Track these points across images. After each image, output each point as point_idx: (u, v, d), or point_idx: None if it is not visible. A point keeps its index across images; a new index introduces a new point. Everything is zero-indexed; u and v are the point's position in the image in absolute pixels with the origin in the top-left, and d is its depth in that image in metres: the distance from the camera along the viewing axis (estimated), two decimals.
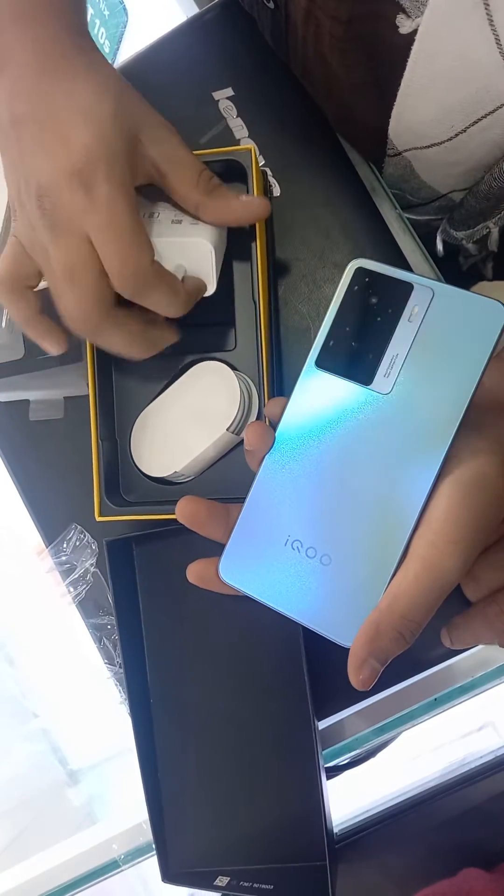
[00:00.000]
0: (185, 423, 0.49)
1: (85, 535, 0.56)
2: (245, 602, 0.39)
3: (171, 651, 0.54)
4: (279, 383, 0.51)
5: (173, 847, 0.53)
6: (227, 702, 0.53)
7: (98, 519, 0.49)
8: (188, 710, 0.53)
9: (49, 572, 0.59)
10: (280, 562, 0.37)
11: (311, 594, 0.36)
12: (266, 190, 0.52)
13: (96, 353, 0.50)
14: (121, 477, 0.51)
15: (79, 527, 0.57)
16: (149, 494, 0.51)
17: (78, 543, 0.56)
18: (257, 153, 0.47)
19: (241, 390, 0.47)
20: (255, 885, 0.50)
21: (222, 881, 0.51)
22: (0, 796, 0.82)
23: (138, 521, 0.50)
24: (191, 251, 0.44)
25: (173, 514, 0.47)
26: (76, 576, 0.57)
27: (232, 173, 0.47)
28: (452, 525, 0.33)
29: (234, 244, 0.48)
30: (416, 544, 0.34)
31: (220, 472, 0.50)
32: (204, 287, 0.46)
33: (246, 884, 0.50)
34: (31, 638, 0.79)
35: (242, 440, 0.49)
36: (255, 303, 0.48)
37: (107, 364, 0.51)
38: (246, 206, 0.44)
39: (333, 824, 0.54)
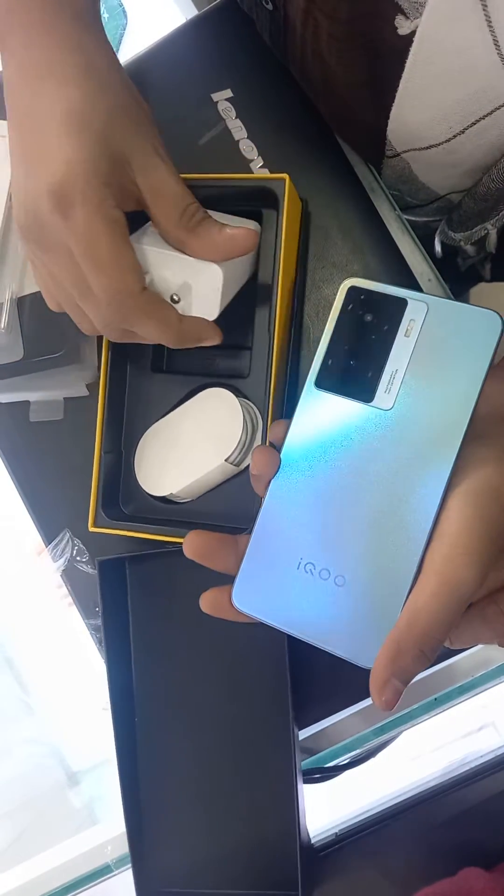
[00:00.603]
0: (186, 446, 0.49)
1: (76, 543, 0.57)
2: (233, 625, 0.38)
3: (158, 670, 0.54)
4: (291, 412, 0.51)
5: (150, 865, 0.54)
6: (209, 726, 0.53)
7: (91, 529, 0.49)
8: (172, 733, 0.54)
9: (49, 573, 0.59)
10: (293, 586, 0.36)
11: (327, 617, 0.35)
12: (303, 219, 0.52)
13: (110, 363, 0.50)
14: (122, 488, 0.52)
15: (69, 533, 0.57)
16: (147, 510, 0.51)
17: (67, 547, 0.57)
18: (289, 184, 0.47)
19: (245, 423, 0.47)
20: None
21: None
22: (2, 798, 0.82)
23: (132, 537, 0.50)
24: (199, 271, 0.43)
25: (167, 535, 0.48)
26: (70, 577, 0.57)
27: (265, 199, 0.47)
28: (466, 537, 0.33)
29: (261, 268, 0.49)
30: (431, 559, 0.33)
31: (227, 496, 0.50)
32: (206, 332, 0.45)
33: None
34: (31, 638, 0.79)
35: (246, 468, 0.49)
36: (269, 335, 0.48)
37: (121, 374, 0.52)
38: (230, 240, 0.42)
39: (337, 825, 0.54)
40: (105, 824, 0.62)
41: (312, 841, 0.57)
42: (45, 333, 0.52)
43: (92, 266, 0.38)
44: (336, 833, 0.58)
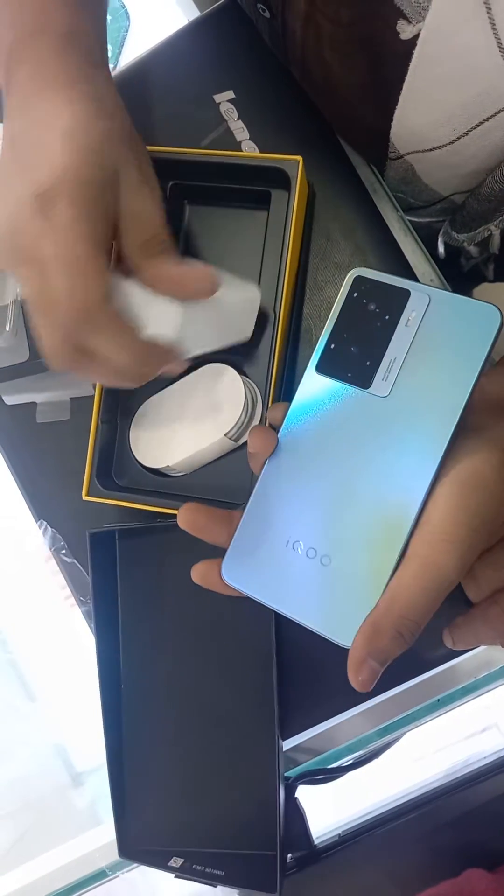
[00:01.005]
0: (185, 420, 0.49)
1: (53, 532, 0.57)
2: (221, 601, 0.39)
3: (145, 640, 0.55)
4: (289, 394, 0.51)
5: (132, 823, 0.55)
6: (195, 694, 0.54)
7: (84, 498, 0.49)
8: (157, 699, 0.55)
9: (51, 573, 0.59)
10: (281, 563, 0.37)
11: (312, 595, 0.36)
12: (310, 202, 0.52)
13: None
14: (115, 460, 0.52)
15: (45, 524, 0.58)
16: (141, 482, 0.51)
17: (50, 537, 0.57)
18: (302, 166, 0.48)
19: (247, 399, 0.47)
20: (208, 870, 0.51)
21: (176, 862, 0.52)
22: (4, 798, 0.82)
23: (123, 515, 0.50)
24: (159, 311, 0.42)
25: (161, 507, 0.48)
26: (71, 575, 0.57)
27: (277, 180, 0.48)
28: (450, 524, 0.33)
29: (269, 249, 0.49)
30: (415, 544, 0.34)
31: (220, 471, 0.50)
32: (166, 357, 0.43)
33: (199, 867, 0.51)
34: (34, 639, 0.79)
35: (242, 445, 0.49)
36: (275, 314, 0.48)
37: None
38: (179, 278, 0.41)
39: (340, 826, 0.54)
40: (108, 825, 0.62)
41: (316, 842, 0.57)
42: None
43: (64, 268, 0.37)
44: (339, 834, 0.58)
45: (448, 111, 0.41)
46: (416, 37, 0.38)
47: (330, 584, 0.36)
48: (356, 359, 0.37)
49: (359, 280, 0.37)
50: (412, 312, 0.36)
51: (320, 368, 0.38)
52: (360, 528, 0.36)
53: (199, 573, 0.39)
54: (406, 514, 0.35)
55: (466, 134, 0.42)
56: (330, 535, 0.36)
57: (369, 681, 0.33)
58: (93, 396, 0.50)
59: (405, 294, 0.36)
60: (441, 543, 0.33)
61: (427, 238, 0.54)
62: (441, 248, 0.57)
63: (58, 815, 0.81)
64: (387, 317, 0.37)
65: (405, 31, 0.38)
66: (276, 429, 0.39)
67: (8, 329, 0.53)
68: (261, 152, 0.53)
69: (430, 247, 0.55)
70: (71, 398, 0.57)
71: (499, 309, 0.35)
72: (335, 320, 0.38)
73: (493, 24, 0.35)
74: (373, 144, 0.49)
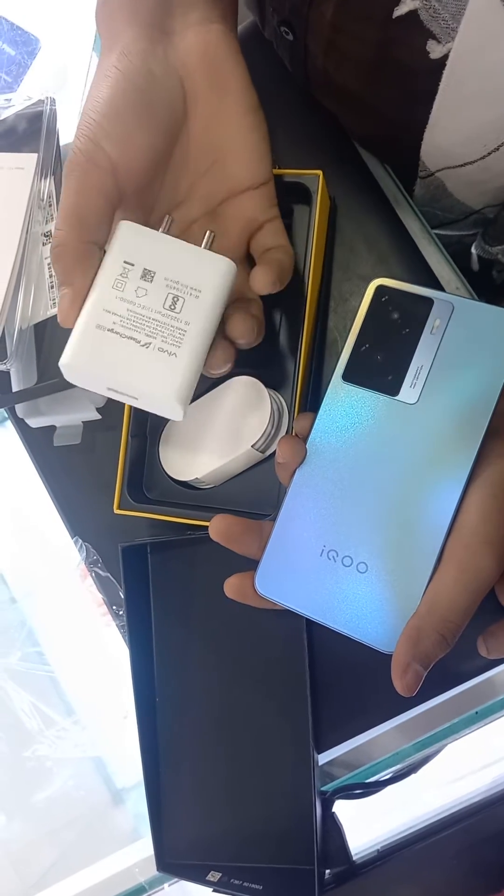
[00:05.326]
0: (213, 432, 0.50)
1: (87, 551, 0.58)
2: (254, 614, 0.39)
3: (179, 652, 0.55)
4: (314, 406, 0.52)
5: (169, 837, 0.55)
6: (229, 706, 0.54)
7: (116, 511, 0.50)
8: (192, 712, 0.55)
9: (89, 590, 0.60)
10: (316, 572, 0.37)
11: (349, 603, 0.37)
12: (332, 215, 0.53)
13: None
14: (146, 474, 0.53)
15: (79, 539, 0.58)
16: (170, 495, 0.52)
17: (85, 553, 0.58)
18: (322, 182, 0.48)
19: (273, 410, 0.48)
20: (246, 884, 0.50)
21: (214, 876, 0.52)
22: (46, 816, 0.82)
23: (155, 529, 0.50)
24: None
25: (191, 518, 0.49)
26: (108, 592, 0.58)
27: (298, 195, 0.49)
28: (484, 526, 0.34)
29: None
30: (451, 548, 0.35)
31: (248, 483, 0.51)
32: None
33: (237, 881, 0.51)
34: (73, 654, 0.80)
35: (269, 456, 0.49)
36: (300, 326, 0.48)
37: None
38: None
39: (378, 842, 0.53)
40: (148, 840, 0.62)
41: (354, 857, 0.57)
42: (54, 358, 0.53)
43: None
44: (378, 849, 0.58)
45: (478, 128, 0.42)
46: (446, 56, 0.38)
47: (368, 591, 0.36)
48: (383, 367, 0.37)
49: (381, 290, 0.38)
50: (436, 320, 0.37)
51: (347, 377, 0.38)
52: (395, 533, 0.36)
53: (233, 587, 0.39)
54: (441, 518, 0.35)
55: (497, 149, 0.42)
56: (365, 543, 0.37)
57: (414, 685, 0.34)
58: (105, 418, 0.50)
59: (428, 302, 0.37)
60: (478, 545, 0.34)
61: (459, 253, 0.54)
62: (474, 260, 0.57)
63: (99, 832, 0.81)
64: (411, 325, 0.37)
65: (435, 50, 0.38)
66: (303, 438, 0.39)
67: (13, 352, 0.53)
68: (280, 167, 0.53)
69: (463, 260, 0.55)
70: (83, 422, 0.57)
71: None
72: (359, 329, 0.38)
73: None
74: (402, 163, 0.49)
